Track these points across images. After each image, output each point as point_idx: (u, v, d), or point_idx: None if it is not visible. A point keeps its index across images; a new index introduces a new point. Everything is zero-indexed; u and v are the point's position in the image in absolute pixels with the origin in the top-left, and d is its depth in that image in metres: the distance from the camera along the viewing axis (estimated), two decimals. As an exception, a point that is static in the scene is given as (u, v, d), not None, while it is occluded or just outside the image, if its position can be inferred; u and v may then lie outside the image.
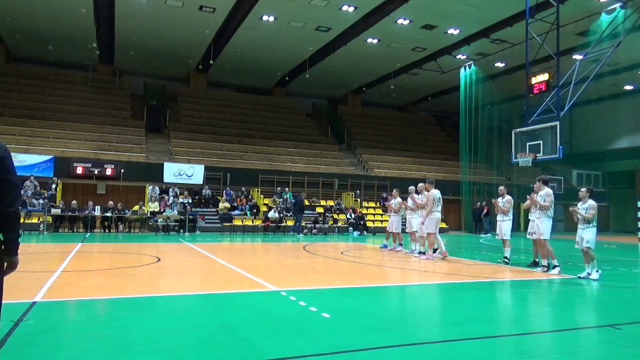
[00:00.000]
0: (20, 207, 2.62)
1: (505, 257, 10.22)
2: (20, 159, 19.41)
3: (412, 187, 12.32)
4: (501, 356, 3.88)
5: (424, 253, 11.26)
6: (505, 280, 8.20)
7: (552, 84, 16.65)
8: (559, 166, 31.31)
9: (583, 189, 8.40)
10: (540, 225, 8.95)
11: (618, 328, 4.72)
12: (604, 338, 4.42)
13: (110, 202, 19.49)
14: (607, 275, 9.08)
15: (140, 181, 21.84)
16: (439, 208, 11.09)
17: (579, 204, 8.34)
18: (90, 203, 19.39)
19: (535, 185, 9.44)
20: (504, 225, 10.38)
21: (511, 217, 10.42)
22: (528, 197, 9.42)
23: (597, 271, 8.08)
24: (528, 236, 9.92)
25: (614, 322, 4.92)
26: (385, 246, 13.74)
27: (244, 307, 5.45)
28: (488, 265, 10.00)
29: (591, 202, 8.17)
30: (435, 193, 11.07)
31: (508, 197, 10.51)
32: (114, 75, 29.06)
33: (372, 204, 26.21)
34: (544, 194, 8.93)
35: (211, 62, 27.16)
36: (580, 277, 8.16)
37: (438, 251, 11.24)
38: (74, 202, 19.11)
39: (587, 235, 8.10)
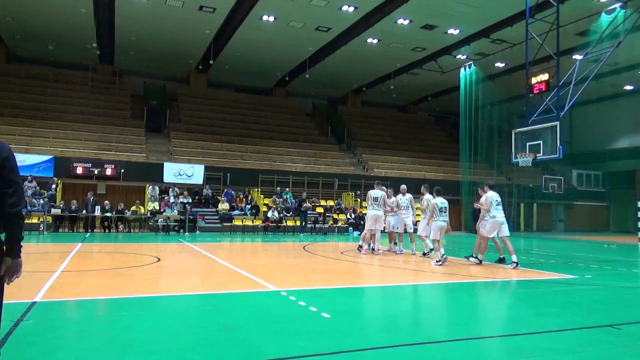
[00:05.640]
0: (23, 208, 2.60)
1: (475, 256, 10.32)
2: (20, 159, 19.39)
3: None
4: (501, 356, 3.88)
5: (361, 247, 12.38)
6: (505, 280, 8.20)
7: (552, 84, 16.63)
8: (559, 166, 31.32)
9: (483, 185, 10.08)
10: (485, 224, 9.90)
11: (618, 328, 4.72)
12: (603, 338, 4.42)
13: (107, 202, 19.45)
14: (607, 275, 9.09)
15: (140, 181, 21.84)
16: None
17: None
18: (90, 196, 19.38)
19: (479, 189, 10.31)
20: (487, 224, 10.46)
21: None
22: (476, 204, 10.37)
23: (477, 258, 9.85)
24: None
25: (614, 322, 4.93)
26: (370, 246, 13.87)
27: (244, 307, 5.46)
28: (487, 265, 9.99)
29: (486, 196, 9.61)
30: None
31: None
32: (114, 75, 29.05)
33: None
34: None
35: (211, 62, 27.16)
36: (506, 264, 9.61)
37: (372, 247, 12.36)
38: (74, 201, 19.13)
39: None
